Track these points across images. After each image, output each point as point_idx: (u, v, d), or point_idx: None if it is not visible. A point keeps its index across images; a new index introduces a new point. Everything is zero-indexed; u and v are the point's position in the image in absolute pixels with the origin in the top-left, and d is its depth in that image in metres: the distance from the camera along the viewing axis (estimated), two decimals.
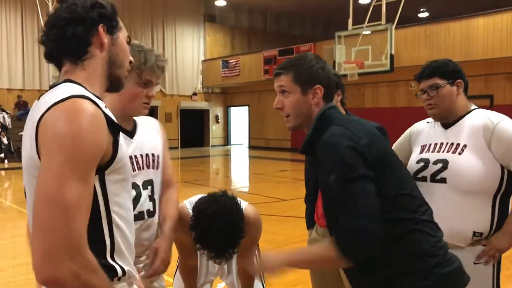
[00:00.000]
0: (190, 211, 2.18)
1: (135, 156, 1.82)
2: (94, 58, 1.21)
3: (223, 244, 2.06)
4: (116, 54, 1.25)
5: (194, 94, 20.95)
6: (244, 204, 2.23)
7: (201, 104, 21.35)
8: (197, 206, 2.11)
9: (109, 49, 1.23)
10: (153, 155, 1.89)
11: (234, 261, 2.48)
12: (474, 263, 1.98)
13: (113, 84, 1.28)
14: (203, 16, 21.16)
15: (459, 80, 2.09)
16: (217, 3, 19.70)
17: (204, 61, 21.20)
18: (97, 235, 1.14)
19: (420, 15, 21.33)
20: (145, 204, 1.83)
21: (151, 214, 1.86)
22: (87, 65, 1.20)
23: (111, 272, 1.16)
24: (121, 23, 1.28)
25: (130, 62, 1.33)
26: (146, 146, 1.88)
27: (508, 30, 11.57)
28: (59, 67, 1.23)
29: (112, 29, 1.24)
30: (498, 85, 13.07)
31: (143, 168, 1.85)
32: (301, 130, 1.66)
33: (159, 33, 19.88)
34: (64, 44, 1.18)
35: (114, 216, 1.17)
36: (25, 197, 1.20)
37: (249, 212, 2.22)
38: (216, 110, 21.93)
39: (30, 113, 1.16)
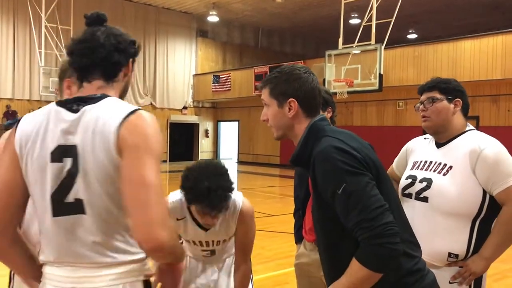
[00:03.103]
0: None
1: None
2: (119, 82, 1.46)
3: (216, 188, 2.04)
4: (129, 83, 1.52)
5: (185, 108, 20.97)
6: (239, 194, 2.29)
7: (191, 118, 21.35)
8: (184, 170, 2.20)
9: (128, 79, 1.50)
10: None
11: (222, 279, 2.50)
12: (449, 282, 2.01)
13: None
14: (196, 31, 21.30)
15: (457, 99, 2.10)
16: (209, 19, 19.84)
17: (195, 75, 21.27)
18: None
19: (409, 36, 21.71)
20: None
21: None
22: (116, 86, 1.45)
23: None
24: None
25: None
26: None
27: (494, 54, 11.85)
28: (84, 77, 1.42)
29: (133, 64, 1.51)
30: (484, 107, 13.32)
31: None
32: (291, 146, 1.70)
33: (151, 46, 19.95)
34: (106, 64, 1.40)
35: None
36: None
37: (244, 202, 2.29)
38: (206, 125, 21.94)
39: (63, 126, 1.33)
